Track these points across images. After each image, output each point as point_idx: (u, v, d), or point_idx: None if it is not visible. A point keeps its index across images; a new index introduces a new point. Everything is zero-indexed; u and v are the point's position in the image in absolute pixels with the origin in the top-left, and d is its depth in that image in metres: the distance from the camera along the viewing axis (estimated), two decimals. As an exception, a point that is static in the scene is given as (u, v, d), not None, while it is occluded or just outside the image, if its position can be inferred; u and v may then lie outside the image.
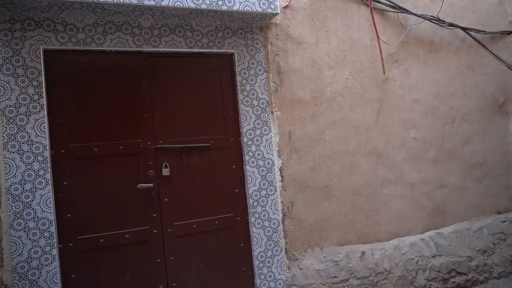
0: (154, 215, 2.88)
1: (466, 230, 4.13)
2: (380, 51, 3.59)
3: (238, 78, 3.14)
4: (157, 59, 2.96)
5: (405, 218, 3.84)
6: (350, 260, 3.39)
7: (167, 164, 2.92)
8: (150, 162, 2.89)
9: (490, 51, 4.24)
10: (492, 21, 4.48)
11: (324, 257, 3.34)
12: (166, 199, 2.91)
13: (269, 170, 3.19)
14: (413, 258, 3.64)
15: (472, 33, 4.19)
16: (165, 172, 2.90)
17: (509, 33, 4.57)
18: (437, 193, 4.06)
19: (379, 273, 3.45)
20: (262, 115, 3.20)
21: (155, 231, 2.87)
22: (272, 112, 3.24)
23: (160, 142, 2.92)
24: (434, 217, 4.04)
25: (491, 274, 3.97)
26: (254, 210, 3.13)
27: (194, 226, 2.98)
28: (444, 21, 3.94)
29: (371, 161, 3.68)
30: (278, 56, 3.28)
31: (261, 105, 3.20)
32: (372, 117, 3.69)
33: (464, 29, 4.10)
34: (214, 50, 3.10)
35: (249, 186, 3.13)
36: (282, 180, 3.24)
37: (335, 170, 3.49)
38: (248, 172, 3.13)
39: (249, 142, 3.15)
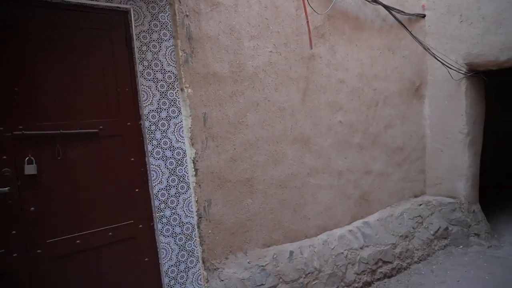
0: (14, 232, 2.09)
1: (389, 216, 4.15)
2: (307, 22, 3.26)
3: (136, 44, 2.48)
4: (16, 10, 2.12)
5: (333, 210, 3.66)
6: (278, 263, 3.05)
7: (32, 158, 2.14)
8: (4, 157, 2.07)
9: (410, 32, 4.29)
10: (409, 3, 4.55)
11: (248, 262, 2.92)
12: (32, 208, 2.14)
13: (179, 162, 2.62)
14: (342, 252, 3.47)
15: (393, 12, 4.16)
16: (29, 170, 2.12)
17: (423, 16, 4.70)
18: (363, 181, 3.98)
19: (309, 273, 3.18)
20: (169, 92, 2.60)
21: (15, 254, 2.08)
22: (182, 89, 2.66)
23: (21, 127, 2.12)
24: (361, 206, 3.95)
25: (412, 259, 4.05)
26: (162, 214, 2.54)
27: (78, 242, 2.27)
28: (368, -5, 3.80)
29: (297, 148, 3.37)
30: (189, 18, 2.70)
31: (167, 80, 2.60)
32: (298, 98, 3.37)
33: (386, 7, 4.04)
34: (102, 3, 2.38)
35: (154, 184, 2.52)
36: (196, 175, 2.70)
37: (259, 160, 3.09)
38: (152, 166, 2.52)
39: (153, 127, 2.53)
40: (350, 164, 3.85)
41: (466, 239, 4.52)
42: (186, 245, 2.63)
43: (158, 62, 2.57)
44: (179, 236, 2.60)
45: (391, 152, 4.36)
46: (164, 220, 2.55)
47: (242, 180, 2.97)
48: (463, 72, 4.45)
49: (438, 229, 4.48)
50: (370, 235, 3.80)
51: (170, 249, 2.56)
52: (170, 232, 2.57)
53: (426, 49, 4.49)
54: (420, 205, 4.60)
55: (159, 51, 2.57)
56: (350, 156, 3.86)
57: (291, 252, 3.17)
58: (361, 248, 3.64)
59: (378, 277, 3.66)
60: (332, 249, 3.43)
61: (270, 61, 3.15)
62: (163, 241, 2.54)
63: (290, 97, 3.30)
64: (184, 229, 2.63)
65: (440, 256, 4.29)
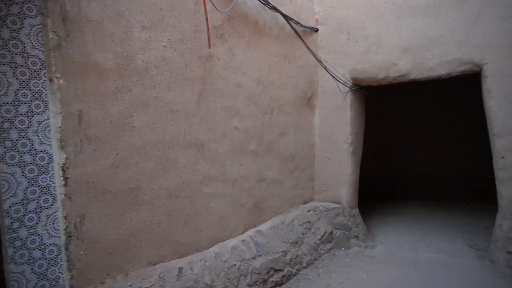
0: None
1: (281, 224, 4.22)
2: (207, 19, 3.07)
3: (-15, 16, 1.94)
4: None
5: (226, 220, 3.53)
6: (165, 282, 2.76)
7: None
8: None
9: (305, 43, 4.47)
10: (304, 16, 4.76)
11: (130, 285, 2.57)
12: None
13: (43, 169, 2.15)
14: (235, 264, 3.36)
15: (291, 22, 4.28)
16: None
17: (316, 30, 4.98)
18: (257, 188, 3.97)
19: (199, 290, 2.97)
20: (32, 82, 2.11)
21: None
22: (51, 80, 2.19)
23: None
24: (254, 215, 3.92)
25: (301, 265, 4.19)
26: (15, 235, 2.03)
27: None
28: (269, 2, 3.81)
29: (191, 155, 3.14)
30: (63, -6, 2.24)
31: (31, 66, 2.10)
32: (193, 100, 3.15)
33: (284, 16, 4.12)
34: None
35: (5, 197, 2.00)
36: (66, 185, 2.25)
37: (147, 167, 2.76)
38: (3, 174, 1.99)
39: (6, 125, 2.01)
40: (245, 171, 3.79)
41: (347, 241, 4.90)
42: (48, 272, 2.16)
43: (19, 43, 2.06)
44: (38, 262, 2.12)
45: (284, 159, 4.46)
46: (18, 243, 2.04)
47: (125, 190, 2.60)
48: (349, 85, 4.84)
49: (324, 234, 4.76)
50: (263, 244, 3.79)
51: (25, 280, 2.06)
52: (26, 258, 2.07)
53: (318, 61, 4.75)
54: (309, 211, 4.83)
55: (20, 28, 2.07)
56: (245, 164, 3.79)
57: (180, 269, 2.91)
58: (254, 258, 3.59)
59: (270, 286, 3.66)
60: (225, 261, 3.29)
61: (163, 56, 2.86)
62: (15, 271, 2.02)
63: (184, 98, 3.06)
64: (46, 253, 2.15)
65: (325, 259, 4.55)
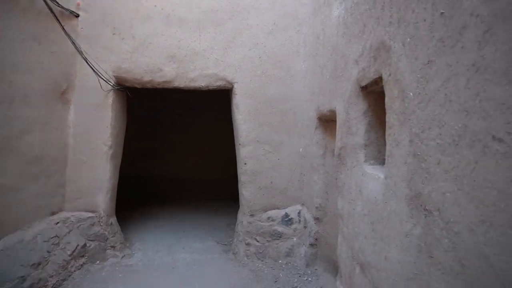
0: None
1: (19, 243, 3.39)
2: None
3: None
4: None
5: None
6: None
7: None
8: None
9: (63, 27, 3.82)
10: (59, -5, 4.09)
11: None
12: None
13: None
14: None
15: (44, -3, 3.56)
16: None
17: (77, 16, 4.38)
18: (-16, 200, 3.01)
19: None
20: None
21: None
22: None
23: None
24: (-23, 235, 2.95)
25: (45, 290, 3.49)
26: None
27: None
28: (15, -38, 3.02)
29: None
30: None
31: None
32: None
33: (36, -13, 3.39)
34: None
35: None
36: None
37: None
38: None
39: None
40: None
41: (103, 253, 4.48)
42: None
43: None
44: None
45: (27, 162, 3.62)
46: None
47: None
48: (111, 84, 4.50)
49: (76, 248, 4.17)
50: (-10, 272, 2.90)
51: None
52: None
53: (78, 51, 4.17)
54: (57, 223, 4.11)
55: None
56: (-33, 167, 2.82)
57: None
58: (-25, 293, 2.69)
59: (-2, 326, 2.83)
60: None
61: None
62: None
63: None
64: None
65: (76, 277, 3.97)
